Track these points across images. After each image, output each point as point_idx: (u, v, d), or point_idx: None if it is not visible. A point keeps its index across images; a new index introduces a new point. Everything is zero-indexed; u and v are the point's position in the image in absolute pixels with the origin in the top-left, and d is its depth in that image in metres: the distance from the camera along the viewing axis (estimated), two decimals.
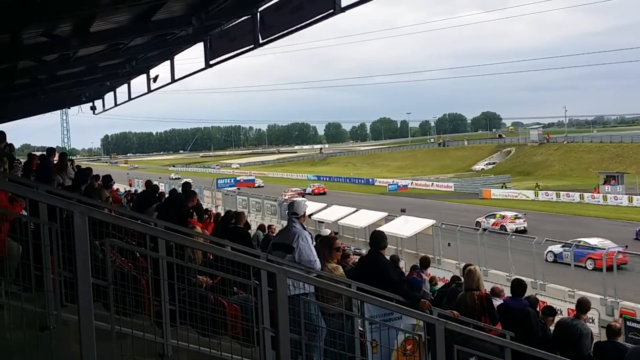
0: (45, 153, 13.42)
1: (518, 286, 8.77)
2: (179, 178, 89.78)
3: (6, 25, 10.00)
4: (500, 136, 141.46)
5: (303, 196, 60.62)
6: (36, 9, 8.95)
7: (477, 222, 45.14)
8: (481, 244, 27.64)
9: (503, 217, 45.35)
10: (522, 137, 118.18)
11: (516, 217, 45.32)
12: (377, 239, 7.72)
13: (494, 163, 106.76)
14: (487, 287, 9.67)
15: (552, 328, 9.09)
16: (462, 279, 10.21)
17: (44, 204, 3.99)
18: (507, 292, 10.04)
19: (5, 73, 15.14)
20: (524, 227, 43.74)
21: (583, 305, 8.95)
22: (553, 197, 64.09)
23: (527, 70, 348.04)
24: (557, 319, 9.65)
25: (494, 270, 26.08)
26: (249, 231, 13.97)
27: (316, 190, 77.89)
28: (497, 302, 8.90)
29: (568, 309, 19.71)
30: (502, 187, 74.35)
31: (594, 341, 8.89)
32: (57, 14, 9.61)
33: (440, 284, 18.07)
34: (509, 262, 25.95)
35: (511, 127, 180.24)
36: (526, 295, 8.95)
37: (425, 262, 13.60)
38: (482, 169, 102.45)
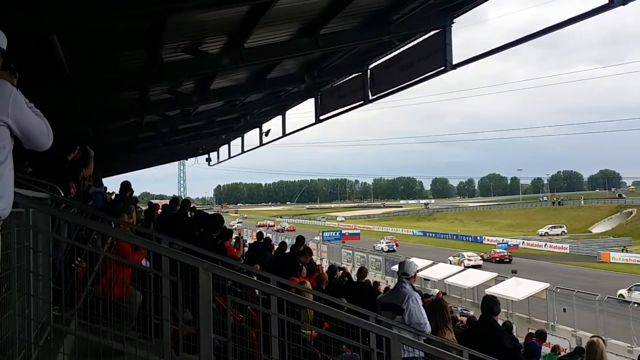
0: (168, 203, 14.08)
1: None
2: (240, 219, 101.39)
3: (136, 83, 10.81)
4: (620, 196, 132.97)
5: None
6: (164, 69, 9.58)
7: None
8: (600, 311, 25.79)
9: None
10: None
11: None
12: (491, 303, 7.37)
13: (561, 226, 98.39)
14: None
15: None
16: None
17: (166, 257, 4.14)
18: None
19: (132, 127, 16.31)
20: None
21: None
22: None
23: None
24: None
25: (613, 340, 24.15)
26: None
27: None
28: None
29: None
30: (622, 250, 69.38)
31: None
32: (182, 73, 10.24)
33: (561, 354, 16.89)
34: (630, 332, 23.97)
35: (632, 187, 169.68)
36: None
37: (542, 335, 12.79)
38: (546, 233, 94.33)
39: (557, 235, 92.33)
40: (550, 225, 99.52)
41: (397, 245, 74.24)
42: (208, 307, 3.49)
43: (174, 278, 3.96)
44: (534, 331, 13.11)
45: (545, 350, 19.74)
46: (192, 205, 13.73)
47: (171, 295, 4.05)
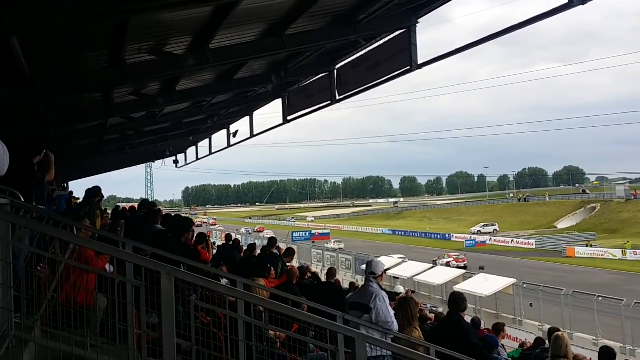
0: (135, 206, 13.86)
1: (607, 355, 8.24)
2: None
3: (99, 85, 10.64)
4: (584, 191, 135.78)
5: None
6: (127, 71, 9.45)
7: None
8: (565, 304, 26.28)
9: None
10: (608, 193, 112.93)
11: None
12: (458, 300, 7.45)
13: (493, 224, 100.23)
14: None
15: None
16: (547, 342, 9.66)
17: (130, 263, 4.08)
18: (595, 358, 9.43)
19: (96, 129, 16.04)
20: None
21: None
22: None
23: (612, 124, 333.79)
24: None
25: (579, 333, 24.65)
26: None
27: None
28: None
29: None
30: (587, 245, 70.82)
31: None
32: (146, 75, 10.12)
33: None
34: (595, 325, 24.47)
35: (596, 183, 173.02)
36: None
37: (496, 328, 12.92)
38: (479, 231, 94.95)
39: (490, 233, 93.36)
40: (483, 224, 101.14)
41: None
42: (171, 311, 3.46)
43: (137, 283, 3.90)
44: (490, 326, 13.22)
45: (513, 345, 20.08)
46: (157, 208, 13.55)
47: (137, 300, 4.00)
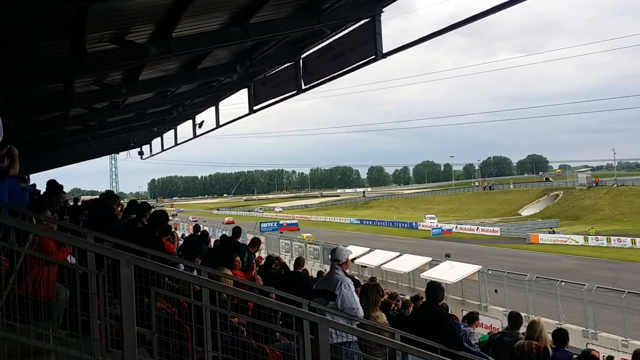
0: (98, 197, 13.65)
1: (560, 335, 8.56)
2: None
3: (60, 75, 10.41)
4: (547, 179, 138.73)
5: None
6: (89, 60, 9.27)
7: None
8: (529, 290, 26.82)
9: None
10: (570, 181, 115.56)
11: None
12: (436, 291, 7.62)
13: (434, 217, 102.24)
14: None
15: None
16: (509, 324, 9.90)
17: (92, 253, 4.03)
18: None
19: (58, 120, 15.72)
20: None
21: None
22: (603, 242, 62.10)
23: (574, 113, 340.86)
24: None
25: (543, 318, 25.10)
26: None
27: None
28: None
29: (622, 359, 18.71)
30: (551, 232, 72.35)
31: None
32: (108, 64, 9.94)
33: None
34: (558, 310, 25.02)
35: (558, 170, 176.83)
36: (584, 348, 8.66)
37: (470, 317, 13.17)
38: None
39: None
40: (428, 215, 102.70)
41: None
42: (131, 300, 3.43)
43: (98, 272, 3.86)
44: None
45: (481, 331, 20.41)
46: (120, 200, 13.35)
47: (100, 290, 3.95)
